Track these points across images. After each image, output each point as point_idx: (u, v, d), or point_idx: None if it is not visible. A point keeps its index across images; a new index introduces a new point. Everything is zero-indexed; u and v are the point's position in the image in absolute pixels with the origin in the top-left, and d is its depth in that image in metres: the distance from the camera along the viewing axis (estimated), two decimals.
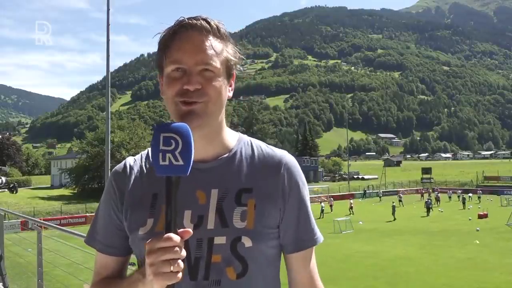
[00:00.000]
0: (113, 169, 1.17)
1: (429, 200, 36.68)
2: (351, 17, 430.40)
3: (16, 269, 11.96)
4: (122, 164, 1.17)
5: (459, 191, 47.31)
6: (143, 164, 1.15)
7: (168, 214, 0.86)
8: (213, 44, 1.02)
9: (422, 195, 48.39)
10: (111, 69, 20.12)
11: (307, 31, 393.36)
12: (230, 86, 1.09)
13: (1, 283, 5.22)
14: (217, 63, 1.02)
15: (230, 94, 1.10)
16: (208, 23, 1.03)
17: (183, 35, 1.01)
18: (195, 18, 1.03)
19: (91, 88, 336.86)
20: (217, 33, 1.04)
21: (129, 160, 1.17)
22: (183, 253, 0.85)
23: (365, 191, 55.27)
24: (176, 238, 0.84)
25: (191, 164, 0.86)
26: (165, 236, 0.84)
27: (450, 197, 46.64)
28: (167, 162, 0.85)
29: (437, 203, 42.23)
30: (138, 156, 1.18)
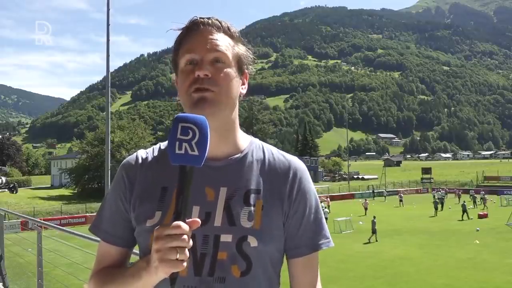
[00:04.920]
0: (124, 160, 1.19)
1: (437, 200, 36.73)
2: (351, 17, 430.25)
3: (16, 269, 11.96)
4: (133, 156, 1.18)
5: (472, 191, 46.09)
6: (155, 157, 1.16)
7: (179, 203, 0.87)
8: (224, 39, 1.07)
9: (459, 197, 44.11)
10: (111, 69, 20.18)
11: (307, 31, 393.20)
12: (243, 84, 1.12)
13: (1, 283, 5.22)
14: (227, 54, 1.06)
15: (244, 91, 1.12)
16: (220, 22, 1.08)
17: (197, 31, 1.06)
18: (208, 18, 1.08)
19: (91, 88, 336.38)
20: (228, 32, 1.09)
21: (141, 153, 1.18)
22: (190, 242, 0.86)
23: (373, 190, 55.31)
24: (184, 226, 0.85)
25: (206, 155, 0.88)
26: (174, 224, 0.85)
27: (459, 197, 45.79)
28: (183, 151, 0.87)
29: (458, 201, 42.26)
30: (150, 150, 1.20)
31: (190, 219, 0.88)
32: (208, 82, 1.02)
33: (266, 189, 1.09)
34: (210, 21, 1.07)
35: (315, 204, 1.14)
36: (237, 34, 1.10)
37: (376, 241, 22.97)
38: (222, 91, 1.03)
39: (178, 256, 0.84)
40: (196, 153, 0.87)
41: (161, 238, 0.85)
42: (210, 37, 1.05)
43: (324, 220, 1.16)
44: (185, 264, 0.86)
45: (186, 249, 0.86)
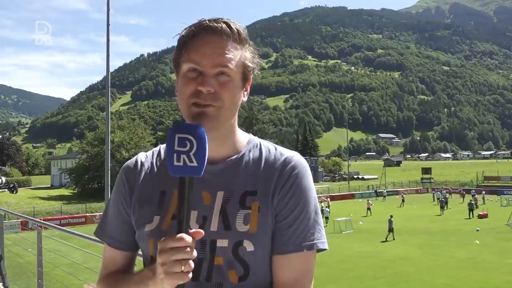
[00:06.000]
0: (124, 164, 1.19)
1: (442, 199, 36.96)
2: (351, 17, 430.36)
3: (16, 269, 11.97)
4: (133, 159, 1.18)
5: (473, 191, 46.20)
6: (154, 161, 1.16)
7: (180, 214, 0.87)
8: (231, 49, 1.02)
9: (463, 197, 44.54)
10: (111, 69, 20.16)
11: (307, 31, 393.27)
12: (246, 90, 1.09)
13: (1, 283, 5.23)
14: (233, 68, 1.01)
15: (245, 98, 1.09)
16: (229, 27, 1.02)
17: (203, 37, 1.01)
18: (216, 21, 1.02)
19: (91, 88, 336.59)
20: (237, 38, 1.03)
21: (141, 156, 1.18)
22: (194, 253, 0.86)
23: (376, 190, 55.29)
24: (188, 238, 0.85)
25: (205, 165, 0.88)
26: (177, 236, 0.85)
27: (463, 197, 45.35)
28: (181, 163, 0.87)
29: (463, 200, 42.65)
30: (149, 153, 1.19)
31: (193, 230, 0.88)
32: (210, 97, 0.99)
33: (262, 189, 1.06)
34: (219, 27, 1.01)
35: (310, 202, 1.08)
36: (246, 38, 1.06)
37: (394, 239, 23.50)
38: (224, 106, 1.01)
39: (183, 268, 0.85)
40: (194, 164, 0.87)
41: (165, 251, 0.85)
42: (217, 48, 1.00)
43: (318, 221, 1.09)
44: (190, 275, 0.86)
45: (191, 260, 0.86)
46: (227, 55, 1.00)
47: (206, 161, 0.88)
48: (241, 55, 1.04)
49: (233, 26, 1.03)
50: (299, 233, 1.05)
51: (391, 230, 23.89)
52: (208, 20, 1.02)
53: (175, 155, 0.87)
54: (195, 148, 0.87)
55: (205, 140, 0.88)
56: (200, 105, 0.99)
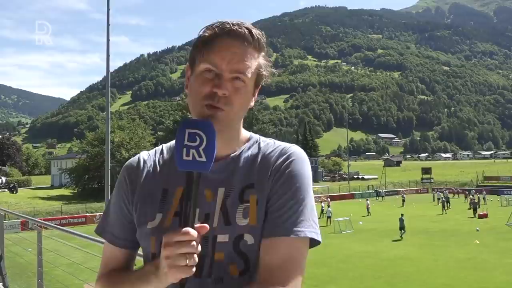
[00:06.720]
0: (127, 162, 1.19)
1: (444, 199, 37.12)
2: (351, 17, 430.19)
3: (16, 269, 11.98)
4: (136, 158, 1.19)
5: (473, 191, 46.31)
6: (157, 159, 1.16)
7: (186, 210, 0.88)
8: (250, 57, 1.04)
9: (466, 197, 44.71)
10: (111, 69, 20.11)
11: (307, 31, 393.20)
12: (254, 96, 1.11)
13: (1, 283, 5.23)
14: (249, 75, 1.04)
15: (252, 103, 1.11)
16: (251, 33, 1.04)
17: (225, 40, 1.02)
18: (239, 25, 1.03)
19: (91, 88, 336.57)
20: (257, 46, 1.05)
21: (143, 155, 1.19)
22: (199, 247, 0.87)
23: (377, 190, 55.33)
24: (193, 232, 0.86)
25: (213, 161, 0.90)
26: (183, 230, 0.85)
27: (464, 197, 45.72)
28: (190, 158, 0.88)
29: (465, 200, 42.81)
30: (152, 151, 1.20)
31: (199, 224, 0.89)
32: (223, 100, 1.01)
33: (258, 181, 1.07)
34: (242, 32, 1.03)
35: (303, 190, 1.06)
36: (264, 47, 1.08)
37: (401, 238, 23.76)
38: (233, 111, 1.03)
39: (187, 262, 0.85)
40: (203, 159, 0.88)
41: (171, 244, 0.86)
42: (237, 54, 1.02)
43: (308, 209, 1.05)
44: (194, 269, 0.87)
45: (195, 255, 0.87)
46: (245, 62, 1.03)
47: (214, 157, 0.90)
48: (258, 63, 1.07)
49: (254, 33, 1.04)
50: (288, 217, 1.03)
51: (402, 228, 24.09)
52: (232, 24, 1.03)
53: (184, 149, 0.88)
54: (204, 143, 0.89)
55: (215, 136, 0.90)
56: (213, 107, 1.01)
